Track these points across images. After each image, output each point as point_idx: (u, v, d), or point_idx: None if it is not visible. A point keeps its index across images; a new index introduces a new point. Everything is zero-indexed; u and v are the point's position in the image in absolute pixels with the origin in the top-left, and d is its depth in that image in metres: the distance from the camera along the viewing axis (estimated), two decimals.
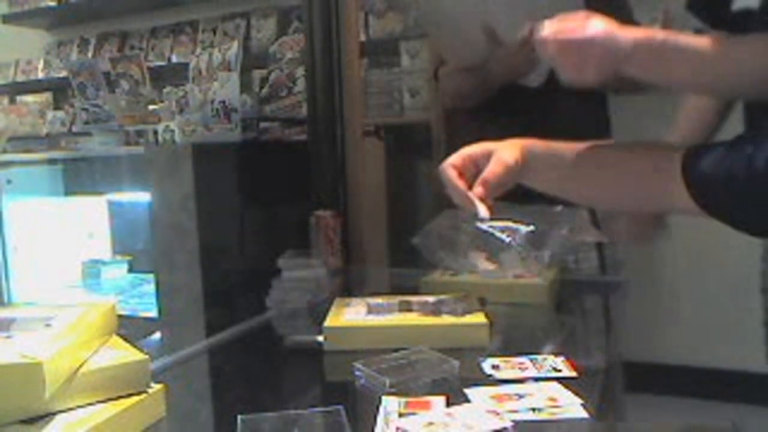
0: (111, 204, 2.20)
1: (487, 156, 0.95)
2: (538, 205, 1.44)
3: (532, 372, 0.89)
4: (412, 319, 1.08)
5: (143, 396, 0.77)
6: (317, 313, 1.16)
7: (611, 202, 1.00)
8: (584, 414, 0.76)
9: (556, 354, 0.95)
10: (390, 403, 0.78)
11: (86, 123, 1.93)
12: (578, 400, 0.78)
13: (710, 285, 2.66)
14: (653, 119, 2.50)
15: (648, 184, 0.89)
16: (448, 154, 2.01)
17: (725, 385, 1.55)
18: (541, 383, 0.84)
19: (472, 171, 0.96)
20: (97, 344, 0.80)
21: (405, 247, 1.57)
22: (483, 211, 0.92)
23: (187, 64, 1.89)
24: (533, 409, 0.76)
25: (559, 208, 1.42)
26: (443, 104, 1.85)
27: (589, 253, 1.64)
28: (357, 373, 0.89)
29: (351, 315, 1.11)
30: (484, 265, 1.33)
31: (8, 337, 0.73)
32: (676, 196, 0.83)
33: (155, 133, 1.77)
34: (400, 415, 0.75)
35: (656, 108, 2.50)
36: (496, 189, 0.93)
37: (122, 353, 0.80)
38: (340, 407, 0.76)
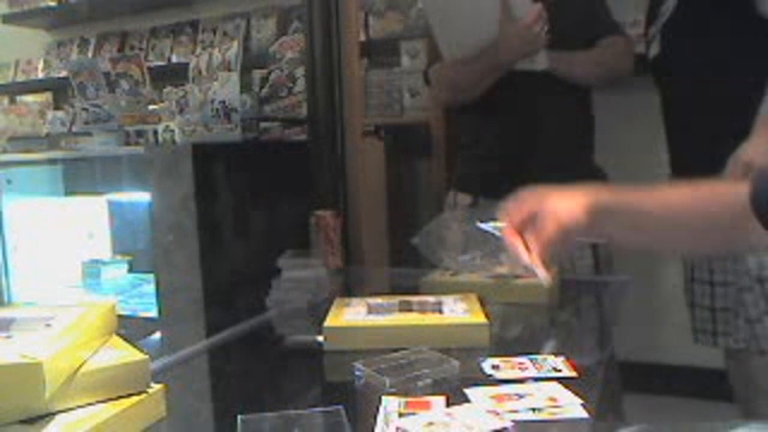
0: (111, 204, 2.20)
1: (541, 208, 0.92)
2: None
3: (532, 372, 0.89)
4: (412, 319, 1.08)
5: (143, 396, 0.77)
6: (317, 313, 1.16)
7: (687, 246, 0.98)
8: (584, 414, 0.76)
9: (556, 354, 0.95)
10: (390, 403, 0.78)
11: (86, 123, 1.92)
12: (578, 400, 0.78)
13: None
14: (634, 116, 2.51)
15: (721, 223, 0.85)
16: (448, 151, 1.99)
17: (725, 385, 1.56)
18: (541, 383, 0.84)
19: (529, 226, 0.93)
20: (97, 344, 0.80)
21: (405, 247, 1.57)
22: (544, 276, 0.90)
23: (187, 64, 1.89)
24: (533, 409, 0.76)
25: None
26: (438, 102, 1.84)
27: (584, 251, 1.65)
28: (357, 373, 0.89)
29: (351, 315, 1.11)
30: (499, 269, 1.34)
31: (8, 337, 0.73)
32: (750, 231, 0.80)
33: (155, 133, 1.76)
34: (400, 415, 0.75)
35: (637, 106, 2.52)
36: (556, 248, 0.91)
37: (122, 353, 0.80)
38: (340, 407, 0.76)
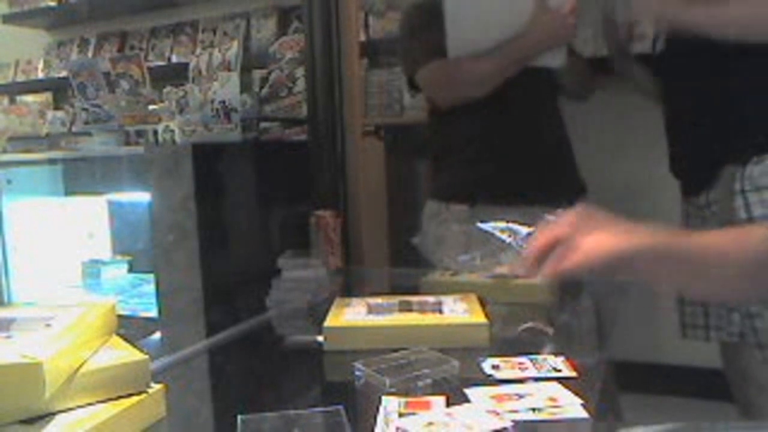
0: (111, 204, 2.20)
1: (577, 233, 0.88)
2: (538, 207, 1.44)
3: (532, 372, 0.89)
4: (412, 319, 1.08)
5: (143, 396, 0.77)
6: (317, 313, 1.16)
7: (723, 292, 0.95)
8: (584, 414, 0.76)
9: (556, 354, 0.95)
10: (390, 403, 0.78)
11: (86, 123, 1.93)
12: (578, 400, 0.78)
13: None
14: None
15: (752, 268, 0.84)
16: (437, 153, 1.93)
17: (725, 384, 1.56)
18: (541, 383, 0.84)
19: (567, 236, 0.90)
20: (97, 344, 0.80)
21: (405, 247, 1.57)
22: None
23: (187, 64, 1.89)
24: (533, 409, 0.76)
25: (559, 210, 1.43)
26: (441, 102, 1.76)
27: None
28: (357, 373, 0.89)
29: (351, 315, 1.11)
30: (499, 269, 1.34)
31: (8, 337, 0.73)
32: None
33: (155, 133, 1.77)
34: (400, 415, 0.75)
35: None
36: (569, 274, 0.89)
37: (122, 353, 0.80)
38: (340, 407, 0.76)
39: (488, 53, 1.58)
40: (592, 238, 0.87)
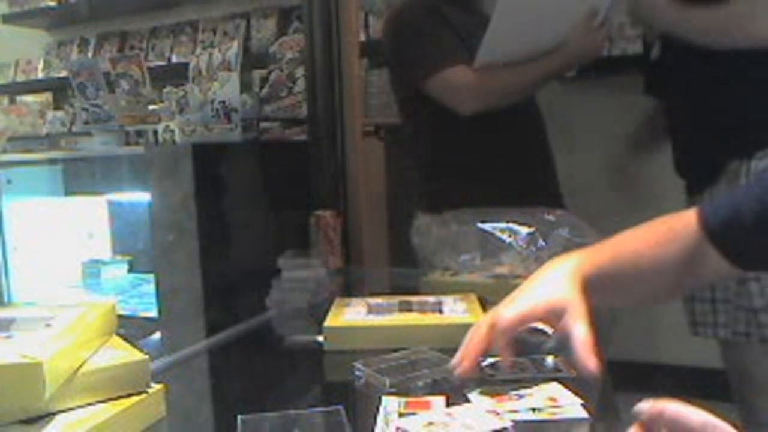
0: (111, 204, 2.20)
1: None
2: (538, 208, 1.44)
3: (532, 372, 0.89)
4: (412, 319, 1.08)
5: (143, 396, 0.77)
6: (317, 313, 1.16)
7: (661, 294, 0.95)
8: (584, 414, 0.76)
9: (556, 354, 0.95)
10: (390, 403, 0.78)
11: (86, 123, 1.92)
12: (578, 400, 0.78)
13: None
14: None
15: (682, 261, 0.84)
16: (434, 159, 1.90)
17: (725, 384, 1.56)
18: (541, 383, 0.84)
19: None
20: (97, 344, 0.80)
21: (405, 247, 1.57)
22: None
23: (187, 64, 1.89)
24: (533, 409, 0.76)
25: (559, 211, 1.43)
26: (465, 108, 1.60)
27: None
28: (357, 373, 0.89)
29: (351, 315, 1.11)
30: (499, 269, 1.34)
31: (8, 337, 0.73)
32: (708, 258, 0.81)
33: (155, 133, 1.76)
34: (400, 415, 0.75)
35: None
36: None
37: (122, 353, 0.80)
38: (340, 407, 0.76)
39: (521, 63, 1.55)
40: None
